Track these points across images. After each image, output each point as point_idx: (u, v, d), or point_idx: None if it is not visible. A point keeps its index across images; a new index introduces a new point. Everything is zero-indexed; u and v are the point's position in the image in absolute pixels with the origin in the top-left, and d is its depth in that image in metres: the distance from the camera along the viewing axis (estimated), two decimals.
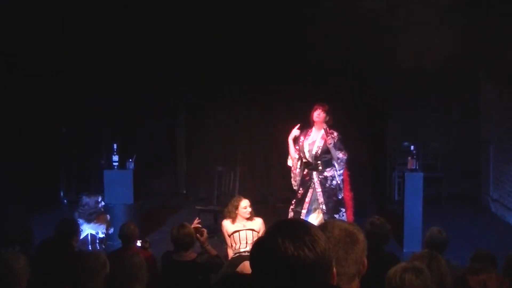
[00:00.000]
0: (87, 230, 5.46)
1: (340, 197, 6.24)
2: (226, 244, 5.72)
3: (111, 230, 5.75)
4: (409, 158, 6.92)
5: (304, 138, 6.17)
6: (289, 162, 6.34)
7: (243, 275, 4.27)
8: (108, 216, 5.81)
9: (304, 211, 6.14)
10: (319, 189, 6.12)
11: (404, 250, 6.54)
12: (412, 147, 6.98)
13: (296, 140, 6.21)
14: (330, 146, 6.00)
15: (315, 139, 6.13)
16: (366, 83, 9.09)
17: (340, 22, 8.68)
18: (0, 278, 2.82)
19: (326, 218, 6.02)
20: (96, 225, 5.54)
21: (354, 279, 1.83)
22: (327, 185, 6.14)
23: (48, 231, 4.74)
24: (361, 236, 1.86)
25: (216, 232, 6.97)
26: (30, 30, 7.92)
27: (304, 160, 6.20)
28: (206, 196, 8.47)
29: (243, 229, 5.56)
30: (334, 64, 8.97)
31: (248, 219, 5.60)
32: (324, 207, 6.11)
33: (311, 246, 1.38)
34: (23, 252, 3.69)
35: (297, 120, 9.28)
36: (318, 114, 6.05)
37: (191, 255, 4.47)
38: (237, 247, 5.55)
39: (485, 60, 9.08)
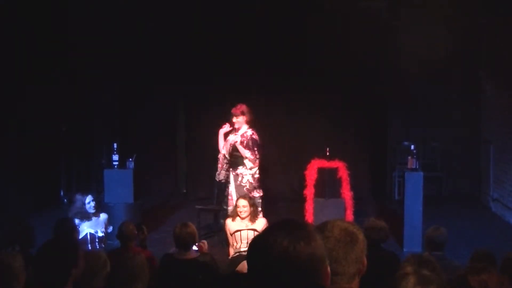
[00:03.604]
0: (86, 229, 5.46)
1: (255, 195, 6.40)
2: (228, 243, 5.74)
3: (110, 229, 5.75)
4: (409, 157, 6.91)
5: (229, 134, 6.49)
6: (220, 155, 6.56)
7: (243, 274, 4.27)
8: (106, 215, 5.80)
9: (230, 208, 6.33)
10: (233, 184, 6.44)
11: (404, 250, 6.54)
12: (412, 147, 6.98)
13: (226, 135, 6.51)
14: (236, 144, 6.30)
15: (229, 137, 6.45)
16: (367, 82, 9.08)
17: (340, 21, 8.68)
18: (1, 276, 2.82)
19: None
20: (95, 224, 5.54)
21: (354, 279, 1.82)
22: (238, 181, 6.41)
23: (49, 230, 4.74)
24: (361, 236, 1.86)
25: (217, 232, 6.97)
26: (29, 27, 7.91)
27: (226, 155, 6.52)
28: (206, 196, 8.46)
29: (244, 228, 5.58)
30: (334, 63, 8.96)
31: (250, 219, 5.61)
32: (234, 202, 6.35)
33: (307, 241, 1.41)
34: (23, 251, 3.69)
35: (297, 118, 9.36)
36: (234, 122, 6.38)
37: (193, 254, 4.47)
38: (237, 246, 5.56)
39: (485, 60, 9.07)
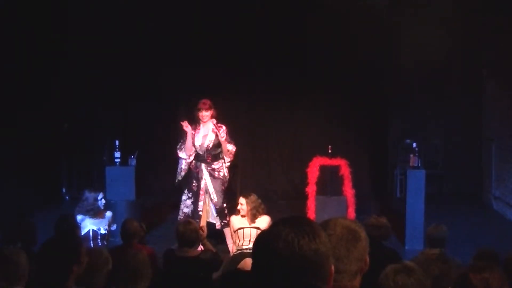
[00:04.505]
0: (89, 226, 5.45)
1: (224, 188, 6.50)
2: (232, 240, 5.76)
3: (114, 227, 5.74)
4: (411, 155, 6.90)
5: (195, 132, 6.41)
6: (182, 155, 6.47)
7: (244, 272, 4.28)
8: (111, 213, 5.80)
9: (201, 203, 6.37)
10: (208, 180, 6.37)
11: (406, 248, 6.55)
12: (414, 145, 6.97)
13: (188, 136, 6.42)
14: (223, 140, 6.29)
15: (207, 133, 6.38)
16: (368, 80, 9.07)
17: (341, 19, 8.68)
18: (6, 273, 2.82)
19: (217, 207, 6.38)
20: (98, 221, 5.53)
21: (356, 277, 1.82)
22: (216, 176, 6.41)
23: (50, 228, 4.75)
24: (363, 234, 1.86)
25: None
26: (29, 27, 7.91)
27: (194, 153, 6.44)
28: None
29: (247, 226, 5.60)
30: (335, 61, 8.96)
31: (250, 218, 5.62)
32: (214, 196, 6.37)
33: (311, 237, 1.42)
34: (25, 248, 3.69)
35: (298, 117, 9.36)
36: (202, 115, 6.33)
37: (195, 251, 4.48)
38: (240, 243, 5.58)
39: (487, 58, 9.06)
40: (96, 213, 5.52)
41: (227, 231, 6.36)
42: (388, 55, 9.10)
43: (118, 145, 6.93)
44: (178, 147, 6.50)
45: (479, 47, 9.07)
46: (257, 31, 9.00)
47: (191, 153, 6.41)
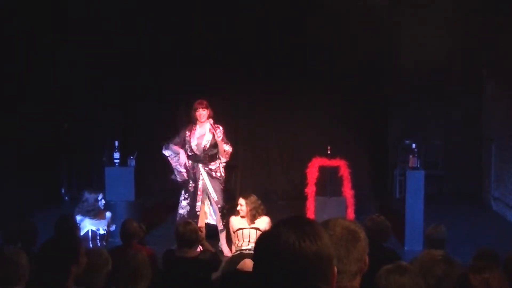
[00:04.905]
0: (88, 226, 5.45)
1: (222, 187, 6.52)
2: (232, 240, 5.77)
3: (113, 227, 5.74)
4: (411, 156, 6.91)
5: (190, 133, 6.40)
6: (166, 152, 6.49)
7: (244, 273, 4.29)
8: (110, 213, 5.80)
9: (198, 203, 6.36)
10: (207, 180, 6.37)
11: (405, 248, 6.55)
12: (413, 145, 6.97)
13: (181, 137, 6.42)
14: (219, 140, 6.29)
15: (204, 133, 6.38)
16: (368, 80, 9.08)
17: (341, 19, 8.68)
18: (6, 273, 2.83)
19: (219, 206, 6.36)
20: (97, 221, 5.53)
21: (356, 277, 1.82)
22: (214, 175, 6.41)
23: (50, 228, 4.75)
24: (362, 234, 1.86)
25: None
26: (29, 27, 7.91)
27: (190, 154, 6.41)
28: None
29: (247, 227, 5.60)
30: (335, 61, 8.97)
31: (250, 218, 5.62)
32: (214, 195, 6.37)
33: (313, 238, 1.40)
34: (25, 248, 3.69)
35: (298, 117, 9.36)
36: (199, 115, 6.32)
37: (194, 252, 4.49)
38: (239, 244, 5.58)
39: (487, 58, 9.06)
40: (96, 213, 5.51)
41: (222, 235, 6.37)
42: (388, 55, 9.10)
43: (118, 146, 6.93)
44: (165, 145, 6.48)
45: (479, 47, 9.06)
46: (257, 31, 9.01)
47: (182, 154, 6.40)
